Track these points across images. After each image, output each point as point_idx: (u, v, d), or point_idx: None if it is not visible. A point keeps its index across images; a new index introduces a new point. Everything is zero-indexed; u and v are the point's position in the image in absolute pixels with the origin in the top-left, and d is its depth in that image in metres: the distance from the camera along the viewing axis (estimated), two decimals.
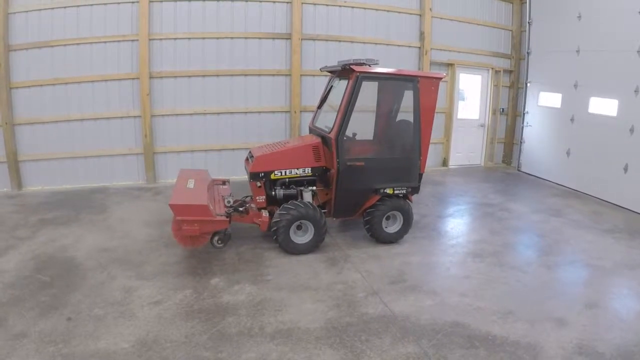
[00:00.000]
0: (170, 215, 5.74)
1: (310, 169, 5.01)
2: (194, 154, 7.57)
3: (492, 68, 8.93)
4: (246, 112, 7.65)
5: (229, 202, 5.08)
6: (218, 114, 7.54)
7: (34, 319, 3.52)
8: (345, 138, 4.82)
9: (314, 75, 7.76)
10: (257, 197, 4.98)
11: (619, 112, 6.74)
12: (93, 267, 4.46)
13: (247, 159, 5.32)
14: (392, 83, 5.23)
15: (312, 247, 4.84)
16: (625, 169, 6.61)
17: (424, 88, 4.95)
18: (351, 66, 4.76)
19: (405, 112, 5.68)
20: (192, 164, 7.42)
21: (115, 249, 4.89)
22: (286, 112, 7.87)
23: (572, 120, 7.65)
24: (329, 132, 4.91)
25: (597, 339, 3.51)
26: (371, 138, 5.72)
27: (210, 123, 7.55)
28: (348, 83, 4.85)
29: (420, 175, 5.21)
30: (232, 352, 3.22)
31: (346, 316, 3.73)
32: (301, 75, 7.69)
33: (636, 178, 6.44)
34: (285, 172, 4.96)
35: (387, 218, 5.14)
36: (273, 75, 7.63)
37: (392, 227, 5.18)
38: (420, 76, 5.01)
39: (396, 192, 5.09)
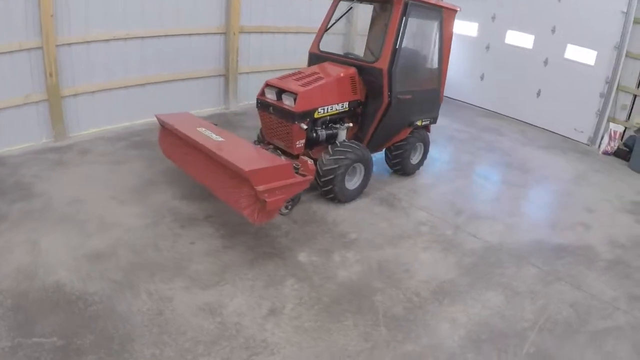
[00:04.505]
0: (143, 180, 4.33)
1: (347, 103, 4.33)
2: (112, 94, 5.53)
3: None
4: (176, 35, 5.90)
5: None
6: (143, 38, 5.60)
7: None
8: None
9: None
10: (297, 142, 4.08)
11: (534, 46, 7.73)
12: (107, 291, 2.82)
13: (262, 94, 4.22)
14: (423, 12, 4.70)
15: (360, 192, 4.39)
16: (538, 94, 7.84)
17: (446, 19, 4.75)
18: None
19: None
20: (109, 107, 5.48)
21: (111, 251, 3.23)
22: (222, 33, 6.40)
23: (487, 48, 8.51)
24: (373, 62, 4.26)
25: (613, 233, 4.38)
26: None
27: (133, 51, 5.54)
28: (393, 9, 4.22)
29: (439, 106, 5.12)
30: (430, 334, 2.79)
31: (464, 257, 3.64)
32: None
33: (547, 102, 7.71)
34: (327, 109, 4.16)
35: None
36: None
37: (413, 159, 5.07)
38: (444, 7, 4.72)
39: (423, 123, 4.91)
